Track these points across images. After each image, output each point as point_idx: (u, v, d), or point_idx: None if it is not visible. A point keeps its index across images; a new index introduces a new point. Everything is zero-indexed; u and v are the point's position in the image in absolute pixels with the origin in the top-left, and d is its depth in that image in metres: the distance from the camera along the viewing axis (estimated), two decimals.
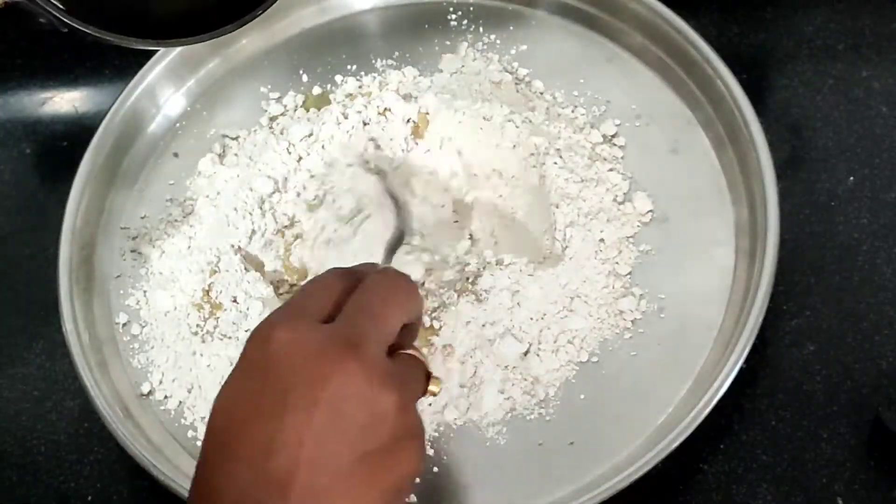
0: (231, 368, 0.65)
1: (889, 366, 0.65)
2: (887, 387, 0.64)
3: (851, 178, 0.71)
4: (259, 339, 0.47)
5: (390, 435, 0.45)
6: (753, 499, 0.62)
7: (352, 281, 0.49)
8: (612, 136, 0.72)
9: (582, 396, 0.64)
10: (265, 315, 0.66)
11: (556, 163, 0.70)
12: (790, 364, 0.66)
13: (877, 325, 0.66)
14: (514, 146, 0.71)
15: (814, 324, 0.67)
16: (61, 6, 0.59)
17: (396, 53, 0.78)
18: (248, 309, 0.67)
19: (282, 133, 0.75)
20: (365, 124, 0.73)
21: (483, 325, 0.65)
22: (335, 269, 0.51)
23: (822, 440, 0.63)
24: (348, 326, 0.46)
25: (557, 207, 0.68)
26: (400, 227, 0.65)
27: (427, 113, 0.72)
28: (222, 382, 0.65)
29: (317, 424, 0.44)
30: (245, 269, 0.69)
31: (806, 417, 0.64)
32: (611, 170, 0.71)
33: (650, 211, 0.69)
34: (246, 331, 0.67)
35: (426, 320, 0.66)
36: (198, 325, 0.68)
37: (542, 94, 0.74)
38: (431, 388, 0.50)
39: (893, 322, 0.66)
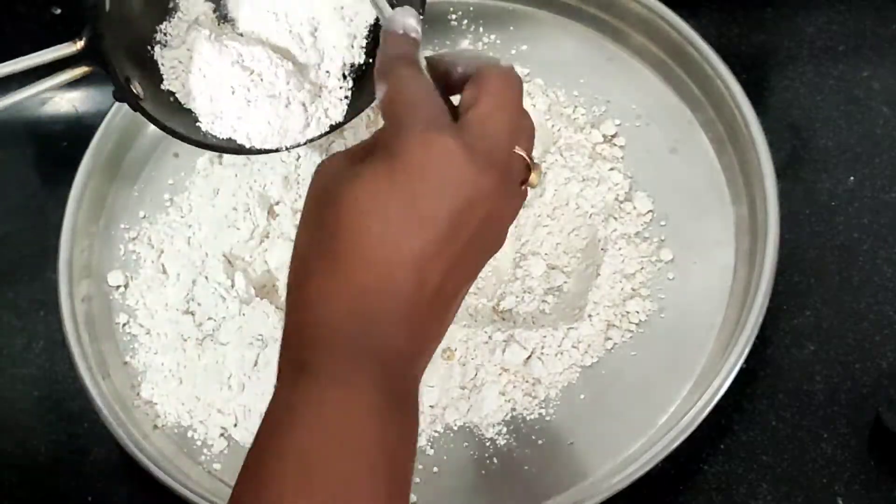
0: (228, 370, 0.66)
1: (889, 366, 0.65)
2: (887, 387, 0.64)
3: (851, 178, 0.71)
4: (420, 141, 0.44)
5: (496, 237, 0.48)
6: (753, 499, 0.62)
7: (443, 70, 0.49)
8: (612, 136, 0.72)
9: (582, 396, 0.64)
10: (246, 319, 0.67)
11: (556, 161, 0.70)
12: (790, 364, 0.66)
13: (877, 325, 0.66)
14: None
15: (814, 324, 0.67)
16: (140, 95, 0.60)
17: None
18: (228, 312, 0.68)
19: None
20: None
21: (490, 337, 0.65)
22: (413, 66, 0.48)
23: (822, 440, 0.63)
24: (495, 139, 0.46)
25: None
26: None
27: None
28: (220, 383, 0.66)
29: (461, 247, 0.45)
30: (227, 274, 0.69)
31: (806, 417, 0.64)
32: (612, 169, 0.71)
33: (650, 211, 0.69)
34: (239, 328, 0.67)
35: None
36: (195, 326, 0.68)
37: (544, 92, 0.74)
38: (532, 178, 0.49)
39: (893, 322, 0.66)
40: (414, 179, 0.44)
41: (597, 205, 0.69)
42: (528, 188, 0.50)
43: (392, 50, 0.49)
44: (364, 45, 0.65)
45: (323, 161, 0.47)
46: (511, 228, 0.68)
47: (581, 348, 0.65)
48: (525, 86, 0.74)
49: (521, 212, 0.68)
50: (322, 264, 0.45)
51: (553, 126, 0.73)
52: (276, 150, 0.62)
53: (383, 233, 0.44)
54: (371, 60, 0.64)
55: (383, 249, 0.44)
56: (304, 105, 0.62)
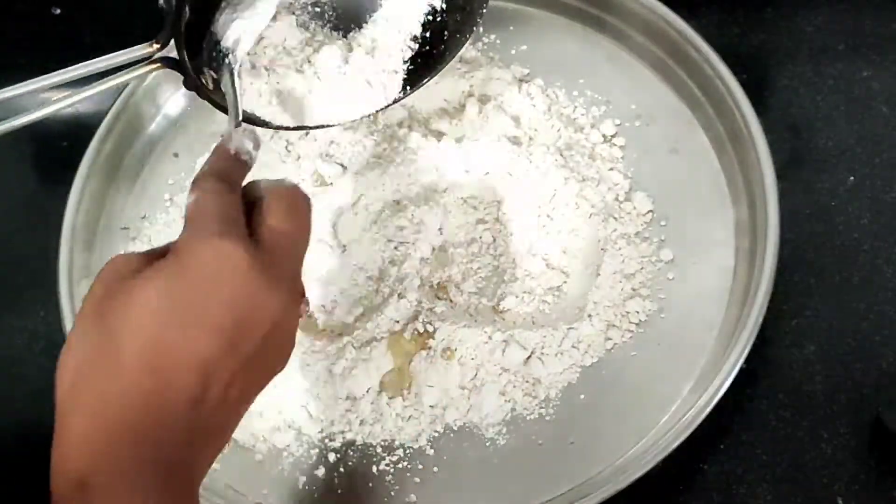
0: None
1: (889, 366, 0.65)
2: (887, 387, 0.64)
3: (851, 178, 0.71)
4: (202, 256, 0.45)
5: (286, 345, 0.49)
6: (753, 499, 0.62)
7: (236, 194, 0.49)
8: (612, 136, 0.72)
9: (582, 396, 0.64)
10: None
11: (555, 161, 0.70)
12: (790, 364, 0.66)
13: (877, 325, 0.66)
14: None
15: (814, 324, 0.67)
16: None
17: None
18: None
19: (279, 132, 0.74)
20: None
21: (490, 337, 0.65)
22: (217, 177, 0.49)
23: (822, 440, 0.63)
24: (281, 251, 0.47)
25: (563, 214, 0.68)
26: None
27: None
28: None
29: (251, 351, 0.45)
30: None
31: (806, 417, 0.64)
32: (611, 169, 0.71)
33: (650, 211, 0.69)
34: None
35: (419, 326, 0.66)
36: None
37: (544, 92, 0.74)
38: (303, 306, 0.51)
39: (893, 322, 0.66)
40: (203, 287, 0.44)
41: (597, 205, 0.69)
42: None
43: (214, 164, 0.50)
44: (422, 19, 0.63)
45: (113, 258, 0.47)
46: (512, 228, 0.69)
47: (581, 348, 0.65)
48: (525, 86, 0.74)
49: (522, 211, 0.69)
50: (103, 366, 0.44)
51: (553, 126, 0.73)
52: (337, 125, 0.62)
53: (169, 338, 0.44)
54: (427, 35, 0.63)
55: (168, 355, 0.43)
56: (366, 81, 0.61)
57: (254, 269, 0.45)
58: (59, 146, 0.80)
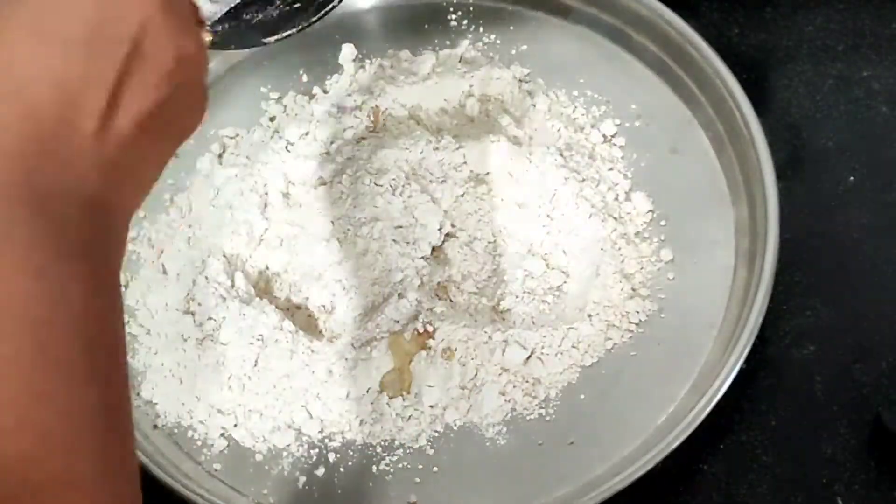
0: (228, 370, 0.66)
1: (889, 366, 0.65)
2: (887, 387, 0.64)
3: (851, 178, 0.71)
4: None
5: (185, 84, 0.43)
6: (753, 499, 0.62)
7: None
8: (612, 136, 0.72)
9: (582, 396, 0.64)
10: (246, 319, 0.66)
11: (555, 161, 0.70)
12: (790, 364, 0.66)
13: (877, 325, 0.66)
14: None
15: (814, 324, 0.67)
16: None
17: (397, 54, 0.78)
18: (228, 312, 0.67)
19: (278, 132, 0.74)
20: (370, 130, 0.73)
21: (490, 337, 0.65)
22: None
23: (822, 440, 0.63)
24: None
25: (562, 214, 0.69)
26: None
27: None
28: (220, 383, 0.66)
29: (120, 68, 0.40)
30: (227, 274, 0.69)
31: (806, 417, 0.64)
32: (611, 169, 0.71)
33: (650, 211, 0.69)
34: (239, 328, 0.67)
35: (419, 326, 0.66)
36: (195, 326, 0.68)
37: (544, 92, 0.74)
38: (203, 35, 0.46)
39: (893, 322, 0.66)
40: None
41: (597, 205, 0.69)
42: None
43: None
44: None
45: None
46: (512, 228, 0.68)
47: (581, 348, 0.65)
48: (525, 86, 0.74)
49: (522, 212, 0.69)
50: None
51: (553, 126, 0.73)
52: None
53: (12, 57, 0.38)
54: None
55: (18, 76, 0.38)
56: None
57: None
58: None
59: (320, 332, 0.68)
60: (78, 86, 0.39)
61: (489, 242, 0.69)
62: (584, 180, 0.69)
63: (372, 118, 0.74)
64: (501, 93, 0.74)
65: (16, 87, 0.38)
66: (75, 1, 0.39)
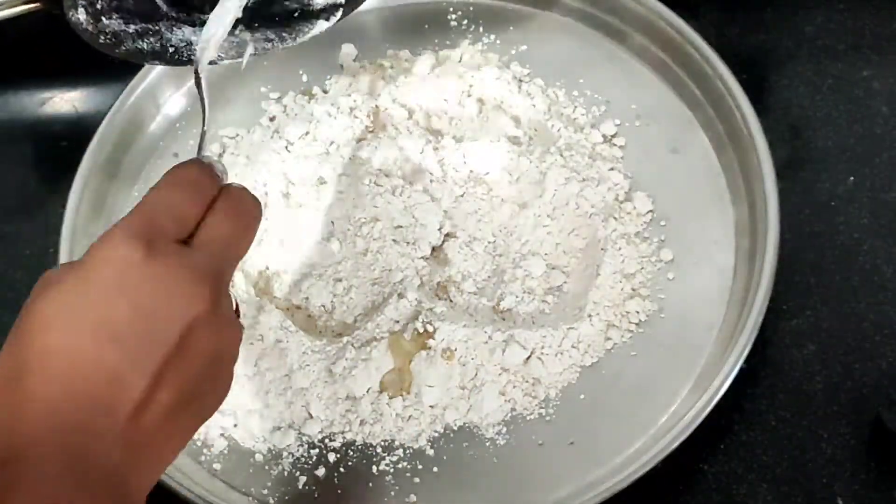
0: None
1: (889, 366, 0.65)
2: (887, 387, 0.64)
3: (851, 178, 0.71)
4: (113, 252, 0.43)
5: (221, 371, 0.46)
6: (753, 499, 0.62)
7: (206, 195, 0.47)
8: (612, 136, 0.72)
9: (582, 396, 0.64)
10: (245, 319, 0.66)
11: (555, 161, 0.70)
12: (790, 364, 0.66)
13: (877, 325, 0.66)
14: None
15: (814, 324, 0.67)
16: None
17: (397, 54, 0.78)
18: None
19: (278, 132, 0.74)
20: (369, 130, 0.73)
21: (490, 337, 0.65)
22: (191, 172, 0.48)
23: (822, 440, 0.63)
24: (211, 256, 0.45)
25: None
26: (204, 125, 0.58)
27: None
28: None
29: (161, 361, 0.43)
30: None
31: (806, 417, 0.64)
32: (611, 169, 0.71)
33: (650, 211, 0.69)
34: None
35: (419, 326, 0.66)
36: None
37: (544, 92, 0.74)
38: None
39: (893, 322, 0.66)
40: (97, 287, 0.43)
41: (597, 205, 0.69)
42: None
43: (180, 168, 0.49)
44: None
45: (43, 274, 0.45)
46: (512, 228, 0.69)
47: (581, 348, 0.65)
48: (525, 86, 0.74)
49: (522, 212, 0.69)
50: (5, 374, 0.42)
51: (553, 126, 0.73)
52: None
53: (67, 345, 0.42)
54: None
55: (69, 363, 0.42)
56: None
57: (151, 266, 0.43)
58: (59, 146, 0.80)
59: (320, 332, 0.68)
60: (122, 375, 0.42)
61: (489, 242, 0.69)
62: (584, 180, 0.69)
63: (372, 118, 0.74)
64: (501, 93, 0.74)
65: (69, 372, 0.42)
66: (131, 297, 0.42)
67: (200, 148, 0.53)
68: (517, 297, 0.67)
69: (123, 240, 0.44)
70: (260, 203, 0.49)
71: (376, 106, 0.74)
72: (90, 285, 0.43)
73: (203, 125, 0.54)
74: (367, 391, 0.65)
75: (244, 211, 0.49)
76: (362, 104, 0.74)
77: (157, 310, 0.43)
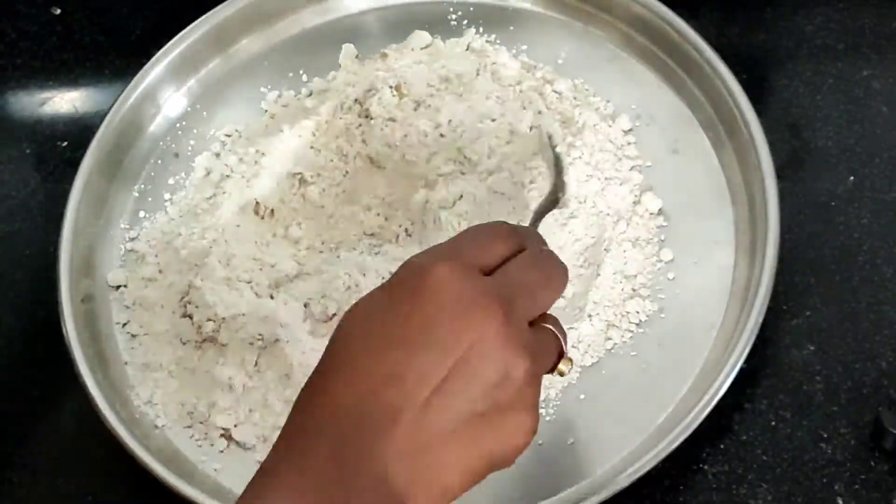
0: (227, 370, 0.66)
1: (889, 366, 0.65)
2: (887, 387, 0.64)
3: (851, 178, 0.71)
4: (416, 268, 0.45)
5: (509, 402, 0.45)
6: (753, 499, 0.62)
7: (516, 243, 0.48)
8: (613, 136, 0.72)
9: (582, 396, 0.64)
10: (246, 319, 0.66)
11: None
12: (790, 364, 0.66)
13: (877, 325, 0.66)
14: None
15: (814, 324, 0.67)
16: None
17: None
18: (228, 312, 0.67)
19: (280, 131, 0.74)
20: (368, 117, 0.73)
21: None
22: (502, 224, 0.50)
23: (822, 440, 0.63)
24: (506, 287, 0.46)
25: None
26: (555, 189, 0.64)
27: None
28: (220, 383, 0.66)
29: (445, 371, 0.43)
30: (226, 275, 0.69)
31: (806, 417, 0.64)
32: (616, 169, 0.71)
33: (650, 212, 0.69)
34: (237, 331, 0.67)
35: None
36: (195, 327, 0.68)
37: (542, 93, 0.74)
38: (561, 367, 0.49)
39: (893, 322, 0.66)
40: (408, 300, 0.44)
41: (597, 204, 0.69)
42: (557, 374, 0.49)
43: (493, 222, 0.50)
44: None
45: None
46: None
47: (581, 348, 0.65)
48: (525, 84, 0.74)
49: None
50: (314, 380, 0.45)
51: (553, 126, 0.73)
52: None
53: (364, 350, 0.44)
54: None
55: (364, 368, 0.43)
56: None
57: (448, 282, 0.44)
58: (59, 146, 0.80)
59: (322, 333, 0.68)
60: (405, 380, 0.43)
61: None
62: (586, 180, 0.69)
63: (395, 94, 0.73)
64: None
65: (357, 372, 0.44)
66: (424, 307, 0.44)
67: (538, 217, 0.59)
68: None
69: (424, 257, 0.46)
70: (567, 270, 0.50)
71: (399, 83, 0.73)
72: (392, 295, 0.45)
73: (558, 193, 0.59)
74: None
75: (548, 267, 0.49)
76: (361, 102, 0.74)
77: (447, 321, 0.44)
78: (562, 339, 0.49)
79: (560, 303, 0.66)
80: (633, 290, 0.66)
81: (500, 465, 0.46)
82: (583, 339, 0.65)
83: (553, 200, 0.65)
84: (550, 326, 0.48)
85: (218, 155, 0.75)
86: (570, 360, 0.49)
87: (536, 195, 0.68)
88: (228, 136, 0.76)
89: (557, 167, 0.67)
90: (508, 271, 0.47)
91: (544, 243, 0.52)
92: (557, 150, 0.67)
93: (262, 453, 0.65)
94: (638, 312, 0.66)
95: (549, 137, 0.68)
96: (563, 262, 0.50)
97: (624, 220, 0.68)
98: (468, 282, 0.44)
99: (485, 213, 0.68)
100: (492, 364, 0.44)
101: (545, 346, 0.48)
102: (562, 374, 0.49)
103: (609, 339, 0.65)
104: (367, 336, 0.44)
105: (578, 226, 0.68)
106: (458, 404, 0.43)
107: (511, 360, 0.44)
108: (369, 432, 0.43)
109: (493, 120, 0.70)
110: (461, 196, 0.68)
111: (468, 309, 0.44)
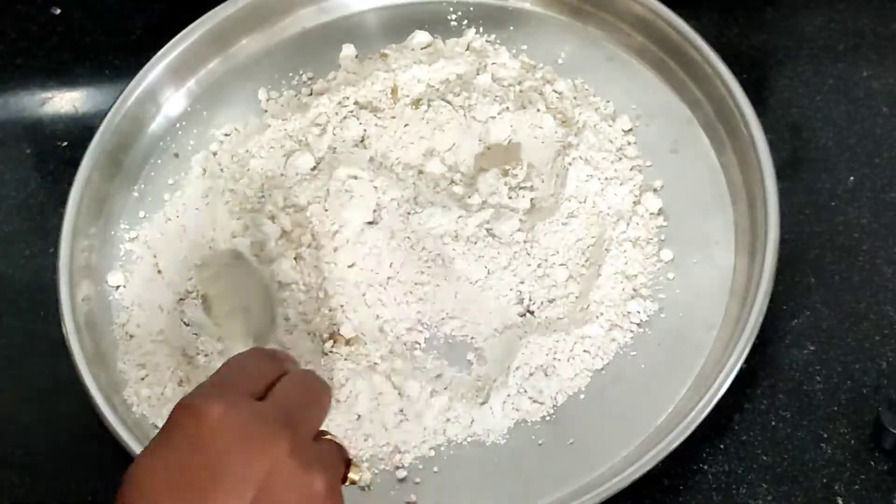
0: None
1: (889, 366, 0.65)
2: (887, 387, 0.64)
3: (851, 178, 0.71)
4: (189, 410, 0.45)
5: None
6: (753, 499, 0.62)
7: (278, 367, 0.49)
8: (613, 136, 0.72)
9: (582, 397, 0.64)
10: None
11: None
12: (790, 364, 0.66)
13: (877, 325, 0.66)
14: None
15: (814, 324, 0.67)
16: None
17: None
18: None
19: (281, 129, 0.74)
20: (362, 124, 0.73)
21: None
22: (260, 350, 0.52)
23: (822, 440, 0.63)
24: (282, 409, 0.46)
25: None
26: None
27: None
28: None
29: None
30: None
31: (806, 417, 0.64)
32: (615, 170, 0.71)
33: (651, 213, 0.69)
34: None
35: None
36: (193, 327, 0.68)
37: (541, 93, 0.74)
38: (351, 475, 0.49)
39: (893, 322, 0.66)
40: (190, 447, 0.44)
41: (598, 204, 0.69)
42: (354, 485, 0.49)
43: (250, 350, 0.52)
44: None
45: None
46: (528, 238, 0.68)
47: (592, 352, 0.65)
48: (525, 84, 0.74)
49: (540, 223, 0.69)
50: None
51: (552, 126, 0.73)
52: None
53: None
54: None
55: None
56: None
57: (226, 417, 0.44)
58: (59, 146, 0.80)
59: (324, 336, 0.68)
60: None
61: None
62: (586, 181, 0.69)
63: (391, 95, 0.73)
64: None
65: None
66: (207, 449, 0.44)
67: None
68: (539, 301, 0.67)
69: (197, 398, 0.45)
70: (329, 386, 0.51)
71: (395, 85, 0.73)
72: (172, 444, 0.45)
73: None
74: (374, 405, 0.64)
75: (313, 384, 0.50)
76: (362, 102, 0.74)
77: (235, 457, 0.44)
78: (344, 448, 0.49)
79: (564, 305, 0.66)
80: (634, 290, 0.66)
81: None
82: (592, 343, 0.65)
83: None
84: (330, 436, 0.49)
85: (215, 154, 0.75)
86: (358, 466, 0.50)
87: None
88: (227, 135, 0.76)
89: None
90: (278, 394, 0.47)
91: (298, 364, 0.52)
92: None
93: None
94: (639, 313, 0.66)
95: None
96: (323, 379, 0.51)
97: (624, 220, 0.68)
98: (246, 412, 0.45)
99: None
100: (292, 487, 0.44)
101: (332, 458, 0.48)
102: (354, 483, 0.49)
103: (614, 340, 0.65)
104: (158, 494, 0.44)
105: (579, 226, 0.68)
106: None
107: (309, 479, 0.45)
108: None
109: None
110: None
111: (252, 438, 0.44)
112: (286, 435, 0.45)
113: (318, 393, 0.50)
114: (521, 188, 0.70)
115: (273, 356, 0.50)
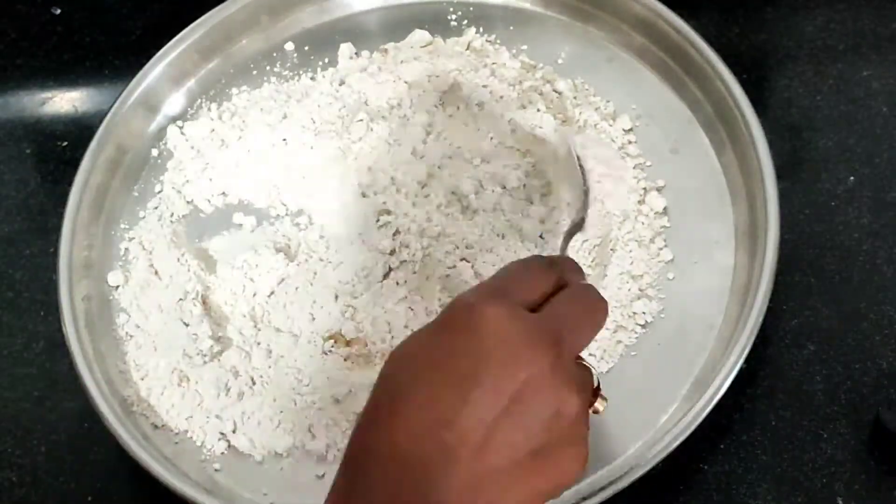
0: (226, 376, 0.66)
1: (889, 366, 0.65)
2: (887, 387, 0.64)
3: (851, 178, 0.71)
4: (465, 306, 0.46)
5: (562, 438, 0.45)
6: (753, 499, 0.62)
7: (556, 277, 0.49)
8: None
9: None
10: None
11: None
12: (790, 364, 0.66)
13: (877, 325, 0.66)
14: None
15: (814, 324, 0.67)
16: None
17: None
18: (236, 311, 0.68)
19: (280, 130, 0.74)
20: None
21: None
22: (540, 259, 0.51)
23: (822, 440, 0.63)
24: (553, 324, 0.46)
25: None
26: (581, 213, 0.64)
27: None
28: (218, 389, 0.66)
29: (501, 409, 0.44)
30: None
31: (806, 417, 0.64)
32: (635, 167, 0.71)
33: (665, 209, 0.69)
34: (240, 332, 0.67)
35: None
36: (192, 328, 0.68)
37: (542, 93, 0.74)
38: (597, 405, 0.50)
39: (893, 322, 0.66)
40: (459, 340, 0.45)
41: (618, 205, 0.68)
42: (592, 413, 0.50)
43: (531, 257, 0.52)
44: None
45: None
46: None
47: (598, 354, 0.65)
48: (525, 84, 0.74)
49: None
50: (368, 418, 0.46)
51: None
52: None
53: (417, 390, 0.44)
54: None
55: (419, 409, 0.44)
56: None
57: (496, 321, 0.45)
58: (59, 146, 0.80)
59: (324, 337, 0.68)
60: (460, 420, 0.43)
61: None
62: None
63: (380, 52, 0.73)
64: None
65: (413, 412, 0.44)
66: (475, 346, 0.44)
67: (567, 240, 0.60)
68: None
69: (477, 298, 0.46)
70: (607, 303, 0.51)
71: (384, 48, 0.73)
72: (442, 334, 0.46)
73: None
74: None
75: (591, 302, 0.50)
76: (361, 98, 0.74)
77: (499, 361, 0.44)
78: (595, 377, 0.50)
79: None
80: (640, 290, 0.66)
81: (552, 497, 0.46)
82: (597, 345, 0.65)
83: (579, 222, 0.65)
84: (586, 363, 0.49)
85: (213, 153, 0.75)
86: (605, 397, 0.50)
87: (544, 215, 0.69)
88: (227, 134, 0.76)
89: (585, 188, 0.66)
90: (554, 308, 0.48)
91: (583, 275, 0.52)
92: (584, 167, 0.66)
93: (262, 454, 0.65)
94: (644, 313, 0.66)
95: (578, 158, 0.68)
96: (602, 296, 0.51)
97: (630, 220, 0.68)
98: (518, 321, 0.45)
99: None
100: (545, 401, 0.45)
101: (586, 382, 0.49)
102: (596, 412, 0.50)
103: (619, 342, 0.65)
104: (418, 376, 0.45)
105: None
106: (514, 442, 0.44)
107: (564, 397, 0.45)
108: (427, 474, 0.43)
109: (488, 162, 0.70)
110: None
111: (519, 348, 0.44)
112: (551, 350, 0.45)
113: (593, 312, 0.50)
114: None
115: (552, 264, 0.50)
